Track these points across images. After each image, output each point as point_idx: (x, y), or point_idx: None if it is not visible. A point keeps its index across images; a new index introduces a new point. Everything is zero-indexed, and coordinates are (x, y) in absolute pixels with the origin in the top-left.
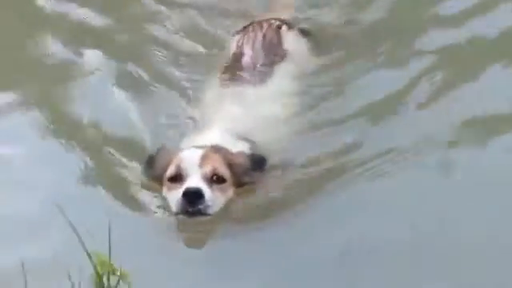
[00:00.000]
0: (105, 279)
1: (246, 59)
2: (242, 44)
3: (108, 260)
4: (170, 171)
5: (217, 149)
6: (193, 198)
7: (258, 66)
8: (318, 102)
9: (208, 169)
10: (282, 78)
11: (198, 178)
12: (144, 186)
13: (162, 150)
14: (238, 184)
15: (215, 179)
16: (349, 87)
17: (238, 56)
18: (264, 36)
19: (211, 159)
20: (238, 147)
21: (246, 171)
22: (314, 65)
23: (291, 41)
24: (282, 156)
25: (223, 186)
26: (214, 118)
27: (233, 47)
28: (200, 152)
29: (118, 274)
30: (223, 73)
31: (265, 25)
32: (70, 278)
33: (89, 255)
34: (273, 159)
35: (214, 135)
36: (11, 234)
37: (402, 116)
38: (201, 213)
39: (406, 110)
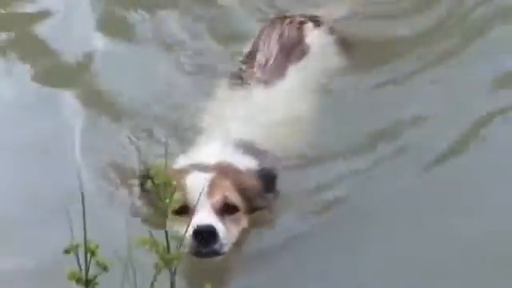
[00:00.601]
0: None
1: (259, 57)
2: (259, 40)
3: (164, 171)
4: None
5: (225, 170)
6: (205, 237)
7: (270, 65)
8: (336, 111)
9: (218, 198)
10: (295, 80)
11: (207, 210)
12: None
13: None
14: (251, 210)
15: (226, 209)
16: (372, 100)
17: (253, 54)
18: (282, 32)
19: (221, 186)
20: (245, 163)
21: (259, 194)
22: (337, 68)
23: (315, 39)
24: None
25: (236, 216)
26: (218, 125)
27: (250, 44)
28: (207, 178)
29: (174, 183)
30: (234, 72)
31: (287, 20)
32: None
33: (145, 165)
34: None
35: (216, 149)
36: None
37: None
38: (215, 253)
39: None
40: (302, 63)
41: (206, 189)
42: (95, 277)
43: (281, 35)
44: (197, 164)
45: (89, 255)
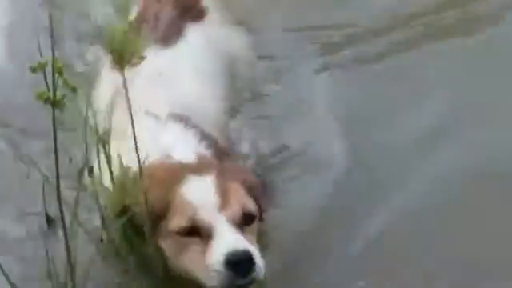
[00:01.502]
0: None
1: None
2: None
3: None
4: (178, 222)
5: (220, 168)
6: (244, 266)
7: (163, 20)
8: None
9: (235, 209)
10: (196, 41)
11: (229, 228)
12: None
13: None
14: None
15: (245, 221)
16: None
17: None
18: None
19: (233, 192)
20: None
21: (261, 193)
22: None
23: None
24: None
25: (253, 226)
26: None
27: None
28: (208, 182)
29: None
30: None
31: None
32: None
33: None
34: None
35: (178, 136)
36: None
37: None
38: (251, 282)
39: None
40: (201, 25)
41: (214, 196)
42: (63, 96)
43: None
44: (182, 162)
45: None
